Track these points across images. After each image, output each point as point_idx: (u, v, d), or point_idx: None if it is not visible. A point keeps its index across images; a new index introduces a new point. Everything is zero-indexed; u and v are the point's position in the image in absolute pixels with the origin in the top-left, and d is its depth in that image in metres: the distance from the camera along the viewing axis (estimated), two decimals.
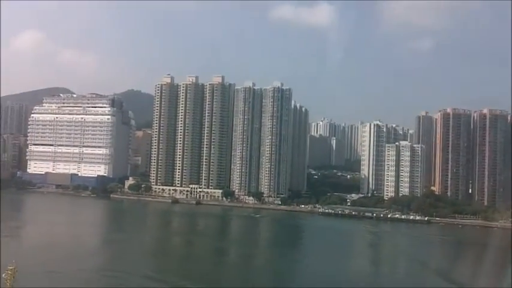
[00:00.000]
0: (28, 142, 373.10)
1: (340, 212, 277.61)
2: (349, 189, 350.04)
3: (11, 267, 53.65)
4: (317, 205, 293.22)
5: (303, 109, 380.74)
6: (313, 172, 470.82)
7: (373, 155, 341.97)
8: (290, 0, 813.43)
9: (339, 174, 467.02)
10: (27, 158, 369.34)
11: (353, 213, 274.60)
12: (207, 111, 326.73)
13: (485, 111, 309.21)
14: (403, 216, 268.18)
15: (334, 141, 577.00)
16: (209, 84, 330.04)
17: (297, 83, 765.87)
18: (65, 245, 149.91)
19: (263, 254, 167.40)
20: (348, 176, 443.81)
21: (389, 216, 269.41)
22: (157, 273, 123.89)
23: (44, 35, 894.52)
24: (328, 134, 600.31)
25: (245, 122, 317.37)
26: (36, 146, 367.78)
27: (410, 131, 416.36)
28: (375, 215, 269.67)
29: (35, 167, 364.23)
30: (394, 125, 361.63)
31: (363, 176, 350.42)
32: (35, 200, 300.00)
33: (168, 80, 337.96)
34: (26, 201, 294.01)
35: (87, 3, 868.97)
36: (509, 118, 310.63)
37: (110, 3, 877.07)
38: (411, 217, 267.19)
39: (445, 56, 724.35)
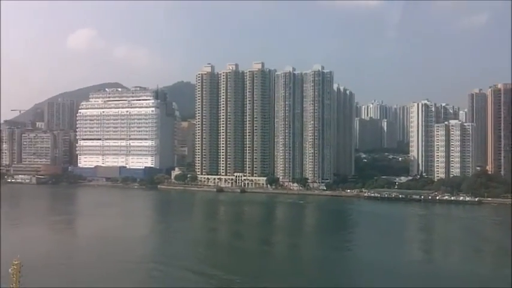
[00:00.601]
0: (77, 137, 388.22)
1: (386, 195, 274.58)
2: (399, 172, 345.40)
3: (16, 262, 55.13)
4: (363, 189, 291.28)
5: (348, 92, 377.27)
6: (364, 156, 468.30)
7: (422, 136, 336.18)
8: None
9: (390, 157, 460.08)
10: (77, 152, 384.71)
11: (400, 196, 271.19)
12: (247, 99, 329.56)
13: None
14: (452, 198, 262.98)
15: (386, 123, 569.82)
16: (249, 71, 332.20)
17: (345, 66, 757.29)
18: (115, 236, 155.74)
19: (310, 242, 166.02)
20: (400, 159, 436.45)
21: (437, 198, 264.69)
22: (204, 266, 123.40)
23: (97, 33, 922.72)
24: (379, 117, 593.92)
25: (286, 108, 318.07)
26: (85, 141, 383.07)
27: (464, 110, 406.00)
28: (422, 197, 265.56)
29: (85, 161, 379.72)
30: (443, 104, 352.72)
31: (412, 158, 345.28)
32: (85, 193, 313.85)
33: (209, 69, 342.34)
34: (77, 195, 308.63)
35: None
36: None
37: None
38: (461, 198, 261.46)
39: (498, 31, 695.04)
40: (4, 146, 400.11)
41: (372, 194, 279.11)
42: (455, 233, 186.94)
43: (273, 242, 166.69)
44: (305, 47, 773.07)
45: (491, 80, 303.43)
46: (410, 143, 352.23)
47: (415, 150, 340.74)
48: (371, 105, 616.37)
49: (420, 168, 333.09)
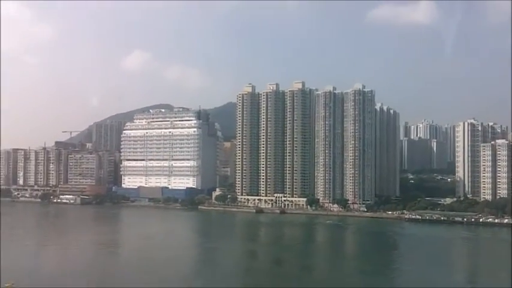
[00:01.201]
0: (121, 158, 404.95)
1: (428, 217, 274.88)
2: (445, 193, 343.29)
3: (8, 285, 59.41)
4: (404, 211, 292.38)
5: (391, 111, 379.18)
6: (411, 177, 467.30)
7: (468, 156, 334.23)
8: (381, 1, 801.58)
9: (439, 177, 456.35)
10: (121, 173, 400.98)
11: (442, 218, 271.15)
12: (288, 119, 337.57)
13: None
14: (496, 220, 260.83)
15: (435, 143, 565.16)
16: (289, 90, 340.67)
17: (395, 86, 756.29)
18: (149, 257, 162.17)
19: (347, 267, 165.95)
20: (448, 180, 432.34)
21: (481, 220, 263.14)
22: None
23: (150, 55, 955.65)
24: (428, 136, 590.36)
25: (327, 128, 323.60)
26: (129, 162, 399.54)
27: None
28: (465, 219, 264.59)
29: (128, 182, 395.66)
30: (491, 123, 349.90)
31: (458, 179, 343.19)
32: (127, 213, 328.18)
33: (249, 89, 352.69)
34: (118, 215, 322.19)
35: (187, 21, 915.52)
36: None
37: (207, 17, 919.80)
38: (505, 221, 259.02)
39: None
40: (51, 166, 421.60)
41: (413, 216, 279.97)
42: (497, 257, 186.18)
43: (311, 266, 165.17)
44: (352, 66, 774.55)
45: None
46: (456, 163, 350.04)
47: (461, 171, 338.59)
48: (420, 125, 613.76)
49: (466, 189, 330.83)
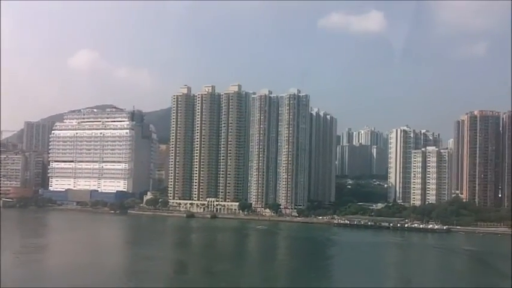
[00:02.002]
0: (50, 159, 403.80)
1: (356, 222, 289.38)
2: (379, 198, 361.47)
3: None
4: (335, 216, 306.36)
5: (328, 117, 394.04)
6: (350, 182, 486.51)
7: (400, 162, 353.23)
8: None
9: (376, 183, 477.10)
10: (49, 175, 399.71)
11: (369, 223, 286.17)
12: (223, 122, 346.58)
13: None
14: (421, 226, 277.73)
15: (375, 149, 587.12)
16: (225, 93, 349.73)
17: (342, 92, 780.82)
18: (63, 264, 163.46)
19: (261, 272, 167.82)
20: (385, 185, 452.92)
21: (406, 226, 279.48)
22: None
23: (98, 54, 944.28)
24: (369, 143, 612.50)
25: (261, 132, 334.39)
26: (57, 163, 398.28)
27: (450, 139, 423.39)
28: (391, 225, 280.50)
29: (56, 184, 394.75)
30: (423, 131, 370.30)
31: (390, 185, 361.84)
32: (49, 217, 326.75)
33: (185, 91, 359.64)
34: (40, 219, 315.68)
35: (139, 20, 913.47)
36: None
37: (160, 18, 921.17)
38: (430, 226, 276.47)
39: (497, 59, 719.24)
40: None
41: (342, 221, 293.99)
42: (398, 261, 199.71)
43: (212, 270, 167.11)
44: (301, 71, 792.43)
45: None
46: (389, 169, 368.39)
47: (393, 177, 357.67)
48: (362, 132, 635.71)
49: (398, 194, 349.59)
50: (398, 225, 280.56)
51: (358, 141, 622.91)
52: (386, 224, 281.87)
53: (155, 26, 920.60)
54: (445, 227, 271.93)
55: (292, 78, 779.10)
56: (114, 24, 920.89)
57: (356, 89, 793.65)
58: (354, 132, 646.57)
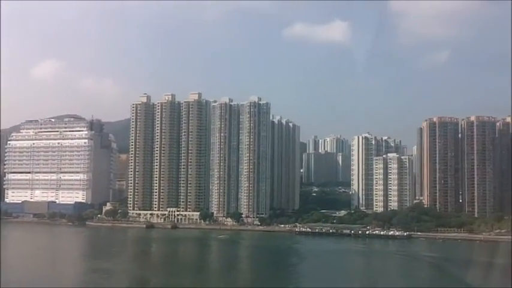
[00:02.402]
0: (5, 170, 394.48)
1: (317, 230, 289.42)
2: (343, 205, 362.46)
3: None
4: (297, 224, 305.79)
5: (291, 124, 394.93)
6: (316, 189, 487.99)
7: (362, 169, 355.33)
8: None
9: (341, 190, 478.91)
10: (4, 186, 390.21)
11: (330, 231, 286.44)
12: (183, 131, 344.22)
13: (472, 118, 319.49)
14: (382, 233, 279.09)
15: (341, 156, 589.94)
16: (185, 102, 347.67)
17: (308, 101, 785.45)
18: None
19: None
20: (350, 192, 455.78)
21: (367, 233, 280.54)
22: None
23: (63, 64, 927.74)
24: (335, 150, 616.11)
25: (222, 140, 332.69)
26: (14, 174, 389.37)
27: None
28: (352, 232, 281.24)
29: (12, 196, 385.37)
30: (385, 138, 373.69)
31: (353, 192, 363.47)
32: (4, 230, 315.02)
33: (144, 100, 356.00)
34: None
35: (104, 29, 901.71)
36: (497, 125, 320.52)
37: (124, 26, 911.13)
38: (391, 233, 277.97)
39: (456, 67, 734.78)
40: None
41: (304, 229, 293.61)
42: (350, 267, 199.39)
43: (170, 284, 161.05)
44: (266, 80, 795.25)
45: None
46: (351, 176, 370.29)
47: (356, 184, 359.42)
48: (328, 139, 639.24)
49: (361, 201, 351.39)
50: (360, 232, 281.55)
51: (324, 148, 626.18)
52: (348, 231, 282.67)
53: (120, 34, 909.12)
54: (405, 233, 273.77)
55: (256, 87, 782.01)
56: (80, 34, 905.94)
57: (322, 97, 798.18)
58: (320, 140, 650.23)
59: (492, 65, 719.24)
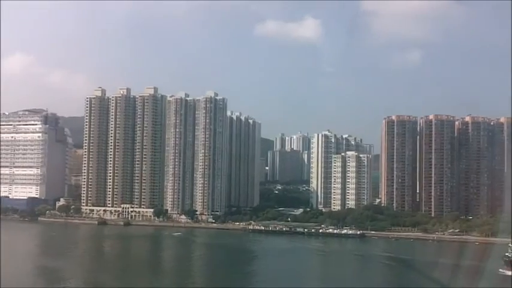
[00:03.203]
0: None
1: (271, 228, 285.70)
2: (304, 204, 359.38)
3: None
4: (252, 222, 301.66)
5: (251, 121, 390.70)
6: (279, 187, 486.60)
7: (321, 167, 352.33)
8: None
9: (304, 188, 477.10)
10: None
11: (284, 229, 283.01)
12: (138, 126, 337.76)
13: (431, 117, 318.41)
14: (335, 231, 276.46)
15: (306, 155, 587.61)
16: (139, 96, 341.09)
17: (278, 98, 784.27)
18: None
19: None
20: (310, 190, 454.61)
21: (321, 231, 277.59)
22: None
23: (32, 58, 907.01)
24: (301, 148, 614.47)
25: (177, 136, 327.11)
26: None
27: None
28: (306, 230, 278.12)
29: None
30: (345, 135, 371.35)
31: (312, 190, 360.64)
32: None
33: (99, 93, 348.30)
34: None
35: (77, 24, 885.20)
36: (456, 124, 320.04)
37: (97, 21, 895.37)
38: (344, 231, 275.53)
39: (426, 67, 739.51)
40: None
41: (258, 227, 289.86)
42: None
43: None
44: (235, 78, 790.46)
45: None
46: (311, 174, 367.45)
47: (315, 182, 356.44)
48: (294, 137, 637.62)
49: (319, 199, 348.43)
50: (313, 230, 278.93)
51: (290, 146, 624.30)
52: (301, 230, 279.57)
53: (90, 29, 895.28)
54: (358, 232, 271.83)
55: (225, 84, 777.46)
56: (51, 29, 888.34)
57: (291, 95, 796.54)
58: (287, 138, 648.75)
59: (461, 63, 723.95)
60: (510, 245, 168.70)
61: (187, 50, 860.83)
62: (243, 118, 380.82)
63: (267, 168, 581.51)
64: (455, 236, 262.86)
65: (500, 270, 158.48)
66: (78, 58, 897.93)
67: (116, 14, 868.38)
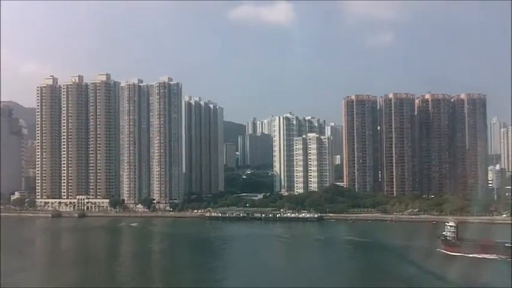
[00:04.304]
0: None
1: (228, 215, 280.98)
2: (269, 188, 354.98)
3: None
4: (210, 209, 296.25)
5: (212, 106, 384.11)
6: (248, 172, 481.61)
7: (283, 151, 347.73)
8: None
9: (272, 173, 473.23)
10: None
11: (241, 215, 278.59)
12: (91, 114, 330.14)
13: (390, 95, 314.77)
14: (293, 215, 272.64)
15: None
16: (91, 83, 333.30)
17: (249, 83, 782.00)
18: None
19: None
20: (273, 174, 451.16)
21: (278, 216, 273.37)
22: None
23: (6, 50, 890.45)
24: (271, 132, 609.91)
25: (131, 123, 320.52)
26: None
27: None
28: (263, 215, 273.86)
29: None
30: (308, 117, 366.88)
31: (276, 174, 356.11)
32: None
33: (50, 82, 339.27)
34: None
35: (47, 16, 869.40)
36: (416, 101, 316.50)
37: (68, 13, 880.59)
38: (302, 215, 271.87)
39: (398, 47, 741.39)
40: None
41: (215, 214, 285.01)
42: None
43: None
44: (208, 63, 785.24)
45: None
46: (273, 157, 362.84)
47: (278, 166, 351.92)
48: (265, 121, 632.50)
49: (283, 183, 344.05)
50: (271, 215, 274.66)
51: (261, 130, 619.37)
52: (259, 215, 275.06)
53: (62, 20, 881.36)
54: (316, 215, 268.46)
55: (199, 70, 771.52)
56: (23, 19, 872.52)
57: (263, 79, 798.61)
58: (258, 122, 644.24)
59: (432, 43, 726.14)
60: (447, 223, 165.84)
61: (154, 35, 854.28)
62: (202, 103, 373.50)
63: (237, 153, 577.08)
64: (413, 216, 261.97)
65: (437, 249, 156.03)
66: (49, 49, 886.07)
67: (90, 5, 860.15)
